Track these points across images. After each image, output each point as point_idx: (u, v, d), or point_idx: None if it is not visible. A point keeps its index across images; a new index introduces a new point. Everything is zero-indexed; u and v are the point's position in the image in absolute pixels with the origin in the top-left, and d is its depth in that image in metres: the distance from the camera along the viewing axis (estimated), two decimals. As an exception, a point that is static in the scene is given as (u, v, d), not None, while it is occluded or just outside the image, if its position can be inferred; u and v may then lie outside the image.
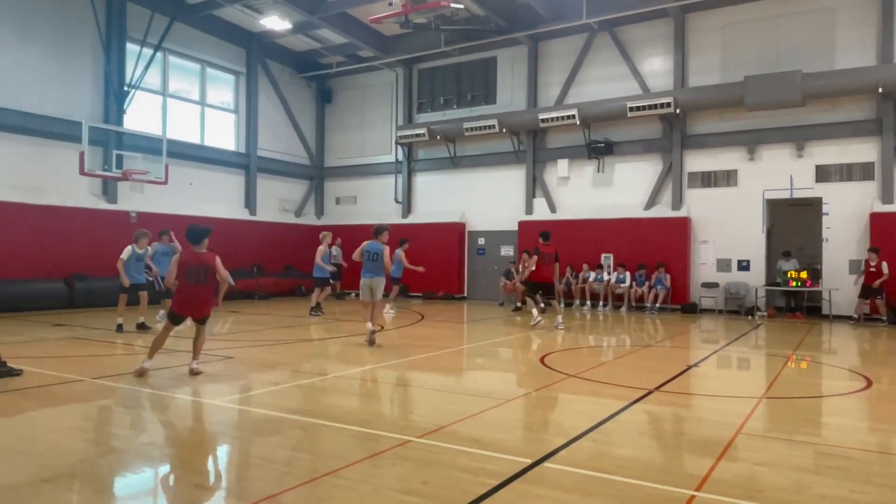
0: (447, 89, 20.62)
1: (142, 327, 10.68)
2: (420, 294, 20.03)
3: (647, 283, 16.35)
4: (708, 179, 16.61)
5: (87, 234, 15.00)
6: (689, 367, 8.21)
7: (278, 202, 21.53)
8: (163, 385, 6.54)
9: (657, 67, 17.19)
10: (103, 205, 15.94)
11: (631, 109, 16.52)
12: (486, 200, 19.72)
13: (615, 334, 12.05)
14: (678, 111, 16.25)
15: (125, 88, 15.06)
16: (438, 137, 19.87)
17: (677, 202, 16.82)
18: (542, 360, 8.23)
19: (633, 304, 16.51)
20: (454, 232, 19.93)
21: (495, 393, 6.41)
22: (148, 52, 14.66)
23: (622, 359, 8.93)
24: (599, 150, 17.55)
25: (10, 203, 14.06)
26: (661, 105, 16.12)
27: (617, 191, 17.73)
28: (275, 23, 17.72)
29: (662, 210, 17.01)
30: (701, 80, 16.44)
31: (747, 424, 5.20)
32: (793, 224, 16.94)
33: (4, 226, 13.85)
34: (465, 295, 19.99)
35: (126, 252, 10.60)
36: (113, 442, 4.71)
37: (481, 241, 20.00)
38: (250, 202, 20.25)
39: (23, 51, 14.56)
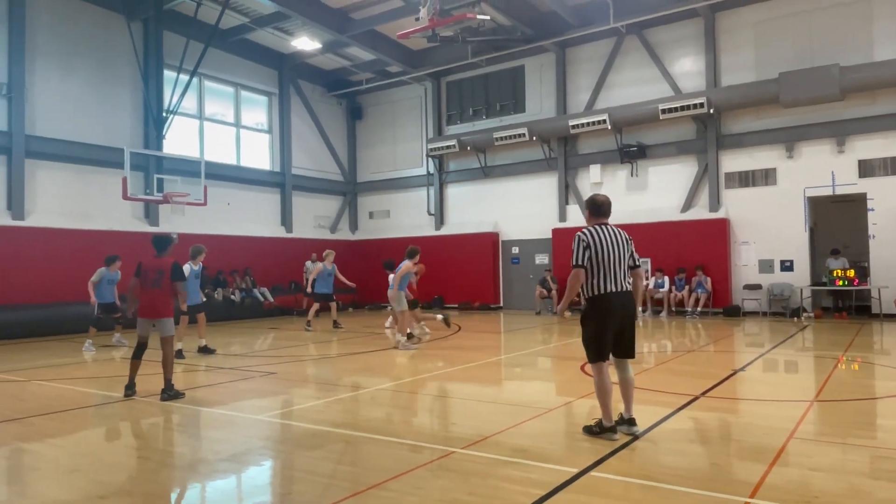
0: (476, 100, 20.70)
1: (205, 350, 10.32)
2: (456, 305, 20.02)
3: (686, 287, 16.05)
4: (746, 179, 16.26)
5: (132, 256, 15.34)
6: (736, 372, 8.01)
7: (313, 219, 21.84)
8: (209, 401, 6.67)
9: (688, 68, 16.96)
10: (146, 227, 16.39)
11: (663, 111, 16.31)
12: (518, 209, 19.66)
13: (656, 340, 11.84)
14: (712, 111, 15.98)
15: (164, 114, 15.50)
16: (469, 148, 19.93)
17: (715, 203, 16.50)
18: (582, 367, 8.13)
19: (674, 308, 16.21)
20: (488, 242, 19.90)
21: (537, 402, 6.35)
22: (184, 77, 15.08)
23: (665, 364, 8.76)
24: (632, 154, 17.36)
25: (59, 229, 14.57)
26: (694, 106, 15.89)
27: (652, 194, 17.49)
28: (305, 43, 18.09)
29: (700, 212, 16.70)
30: (734, 79, 16.15)
31: (799, 429, 5.05)
32: (836, 221, 16.44)
33: (53, 251, 14.35)
34: (501, 304, 19.91)
35: (187, 269, 10.50)
36: (163, 458, 4.81)
37: (515, 250, 19.93)
38: (286, 220, 20.59)
39: (66, 83, 15.15)
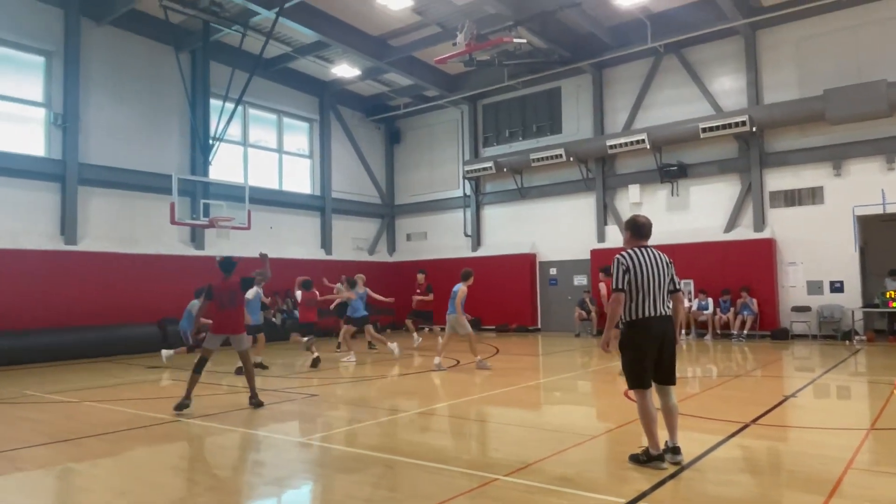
0: (512, 122, 20.79)
1: (260, 367, 10.88)
2: (493, 327, 19.92)
3: (732, 309, 15.65)
4: (791, 198, 15.86)
5: (178, 279, 15.83)
6: (786, 398, 7.74)
7: (352, 241, 22.12)
8: (253, 423, 6.76)
9: (729, 86, 16.72)
10: (192, 251, 16.86)
11: (704, 130, 16.09)
12: (556, 230, 19.55)
13: (701, 364, 11.55)
14: (754, 129, 15.69)
15: (210, 141, 15.99)
16: (505, 170, 19.98)
17: (759, 223, 16.12)
18: (625, 393, 7.98)
19: (719, 331, 15.81)
20: (525, 263, 19.81)
21: (579, 428, 6.25)
22: (230, 105, 15.56)
23: (712, 390, 8.53)
24: (672, 174, 17.13)
25: (109, 253, 15.09)
26: (736, 124, 15.63)
27: (694, 214, 17.19)
28: (345, 70, 18.51)
29: (744, 232, 16.33)
30: (777, 97, 15.86)
31: (856, 459, 4.84)
32: (888, 241, 15.84)
33: (104, 275, 14.85)
34: (539, 326, 19.73)
35: (252, 293, 10.92)
36: (209, 481, 4.89)
37: (553, 271, 19.78)
38: (326, 242, 20.90)
39: (117, 112, 15.79)
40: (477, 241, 21.26)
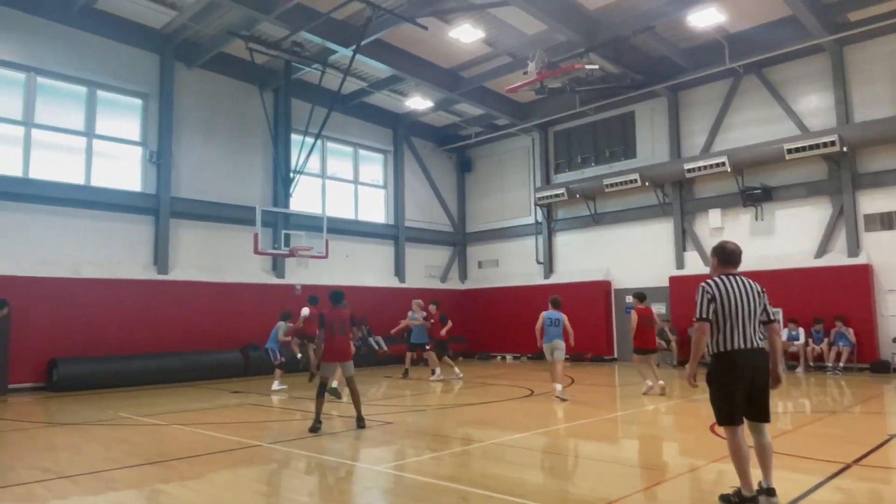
0: (584, 148, 20.57)
1: (335, 394, 10.91)
2: (568, 356, 19.45)
3: (825, 340, 14.68)
4: (889, 221, 14.83)
5: (260, 307, 16.45)
6: (892, 437, 7.14)
7: (424, 269, 22.35)
8: (331, 450, 6.87)
9: (815, 105, 15.94)
10: (273, 280, 17.51)
11: (789, 151, 15.37)
12: (631, 256, 19.06)
13: (793, 398, 10.86)
14: (845, 149, 14.85)
15: (291, 174, 16.68)
16: (577, 196, 19.73)
17: (854, 248, 15.14)
18: (712, 427, 7.59)
19: (811, 363, 14.85)
20: (599, 291, 19.37)
21: (664, 464, 5.99)
22: (309, 140, 16.22)
23: (806, 427, 7.99)
24: (756, 197, 16.41)
25: (196, 282, 15.88)
26: (825, 144, 14.85)
27: (780, 239, 16.35)
28: (417, 103, 18.96)
29: (837, 258, 15.37)
30: (869, 115, 14.97)
31: (979, 509, 4.39)
32: None
33: (191, 302, 15.63)
34: (616, 356, 19.16)
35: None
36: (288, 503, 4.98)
37: (629, 299, 19.19)
38: (399, 270, 21.22)
39: (207, 150, 16.76)
40: (549, 269, 21.00)
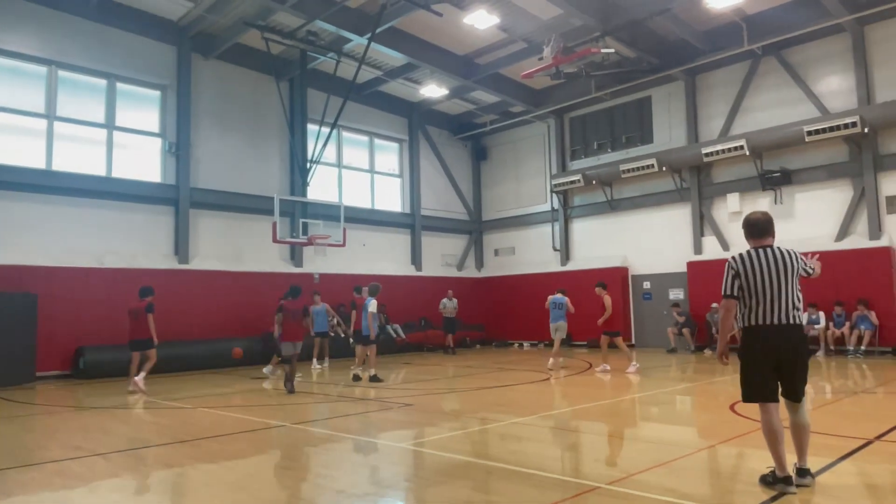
0: (600, 134, 20.46)
1: (375, 379, 11.32)
2: (584, 342, 19.52)
3: (847, 323, 14.56)
4: (912, 202, 14.64)
5: (279, 295, 16.57)
6: (914, 416, 7.12)
7: (441, 257, 22.42)
8: (354, 430, 6.99)
9: (836, 86, 15.73)
10: (291, 268, 17.68)
11: (809, 133, 15.20)
12: (648, 242, 18.98)
13: (812, 382, 10.78)
14: (866, 130, 14.65)
15: (308, 164, 16.81)
16: (594, 182, 19.67)
17: (875, 230, 14.97)
18: (731, 407, 7.60)
19: (832, 347, 14.74)
20: (616, 277, 19.29)
21: (684, 441, 6.03)
22: (325, 130, 16.32)
23: (826, 406, 7.98)
24: (775, 181, 16.25)
25: (215, 271, 16.09)
26: (845, 126, 14.65)
27: (800, 222, 16.19)
28: (432, 91, 18.95)
29: (858, 240, 15.21)
30: (891, 95, 14.74)
31: None
32: None
33: (211, 291, 15.85)
34: (633, 342, 19.14)
35: (373, 306, 11.67)
36: (318, 480, 5.10)
37: (646, 284, 19.18)
38: (416, 259, 21.32)
39: (224, 140, 16.92)
40: (566, 255, 20.98)
